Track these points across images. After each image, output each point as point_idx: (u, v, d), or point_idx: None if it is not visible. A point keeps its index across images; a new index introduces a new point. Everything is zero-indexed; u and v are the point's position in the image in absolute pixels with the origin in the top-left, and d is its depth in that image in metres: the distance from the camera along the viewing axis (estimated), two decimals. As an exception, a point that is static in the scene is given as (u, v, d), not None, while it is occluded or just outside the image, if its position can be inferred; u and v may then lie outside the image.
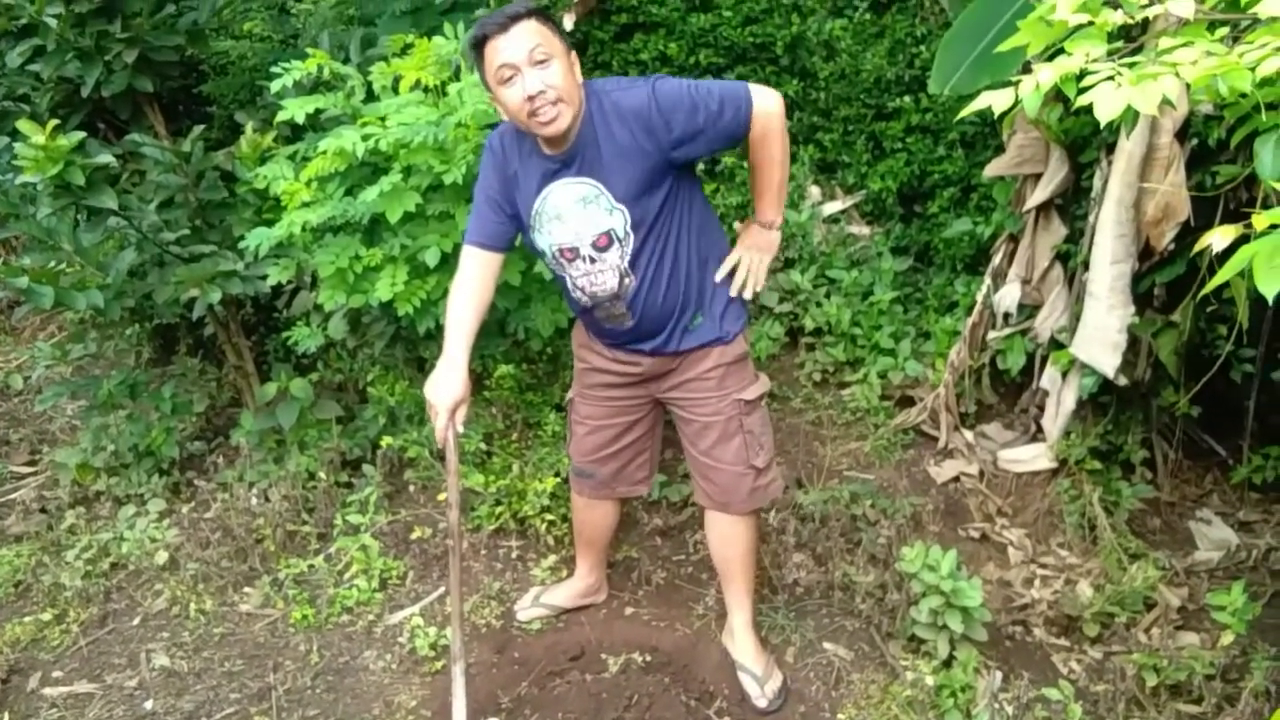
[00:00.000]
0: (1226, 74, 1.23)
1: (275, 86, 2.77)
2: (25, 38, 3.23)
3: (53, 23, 3.12)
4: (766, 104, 2.16)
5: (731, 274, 2.36)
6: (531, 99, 2.01)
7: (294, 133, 3.15)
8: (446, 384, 2.23)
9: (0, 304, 4.98)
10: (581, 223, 2.17)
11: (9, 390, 4.44)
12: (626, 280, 2.23)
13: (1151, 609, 2.77)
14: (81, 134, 2.84)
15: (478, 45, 2.05)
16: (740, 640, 2.62)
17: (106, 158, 2.89)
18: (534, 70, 2.01)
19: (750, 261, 2.36)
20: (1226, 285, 2.00)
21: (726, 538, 2.55)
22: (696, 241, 2.28)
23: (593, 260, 2.21)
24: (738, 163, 4.10)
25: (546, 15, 2.08)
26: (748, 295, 2.37)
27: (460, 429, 2.28)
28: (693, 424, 2.45)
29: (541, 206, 2.20)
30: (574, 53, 2.12)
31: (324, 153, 2.67)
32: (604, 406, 2.53)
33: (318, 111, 2.82)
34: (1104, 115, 1.25)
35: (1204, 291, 1.55)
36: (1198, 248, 1.32)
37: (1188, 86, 1.26)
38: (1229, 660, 2.51)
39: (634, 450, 2.60)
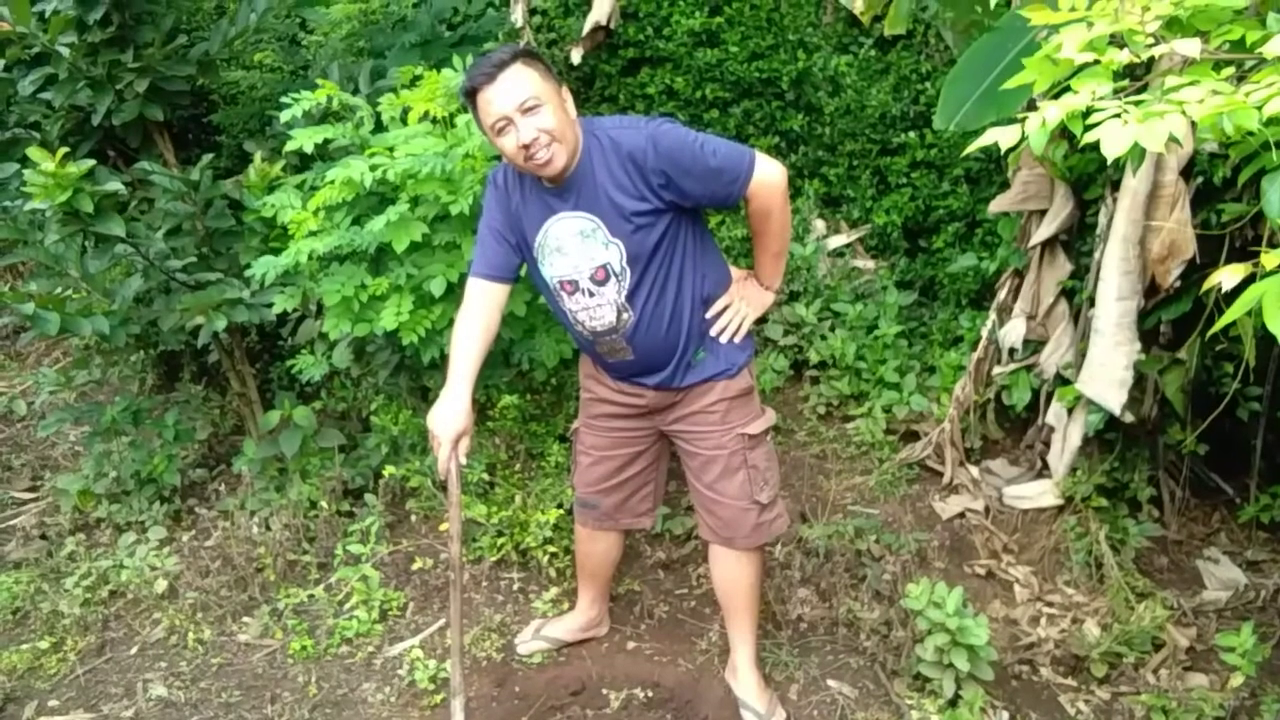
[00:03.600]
0: (1233, 112, 1.23)
1: (284, 116, 2.79)
2: (38, 66, 3.26)
3: (65, 52, 3.14)
4: (768, 175, 2.16)
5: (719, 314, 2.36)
6: (526, 146, 2.05)
7: (302, 162, 3.17)
8: (449, 415, 2.22)
9: (5, 329, 4.99)
10: (580, 256, 2.19)
11: (12, 416, 4.44)
12: (625, 315, 2.23)
13: (1160, 649, 2.74)
14: (91, 161, 2.85)
15: (469, 95, 2.09)
16: (743, 677, 2.59)
17: (115, 185, 2.90)
18: (525, 119, 2.04)
19: (738, 311, 2.35)
20: (1233, 323, 1.99)
21: (730, 573, 2.52)
22: (698, 278, 2.27)
23: (591, 294, 2.22)
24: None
25: (532, 56, 2.10)
26: (723, 340, 2.34)
27: (463, 460, 2.28)
28: (696, 457, 2.43)
29: (544, 239, 2.22)
30: (565, 88, 2.14)
31: (332, 182, 2.69)
32: (608, 437, 2.52)
33: (326, 141, 2.84)
34: (1111, 152, 1.25)
35: (1213, 330, 1.54)
36: (1206, 286, 1.32)
37: (1194, 124, 1.27)
38: (1238, 702, 2.48)
39: (638, 482, 2.58)
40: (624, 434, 2.50)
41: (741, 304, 2.36)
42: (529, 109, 2.04)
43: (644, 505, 2.64)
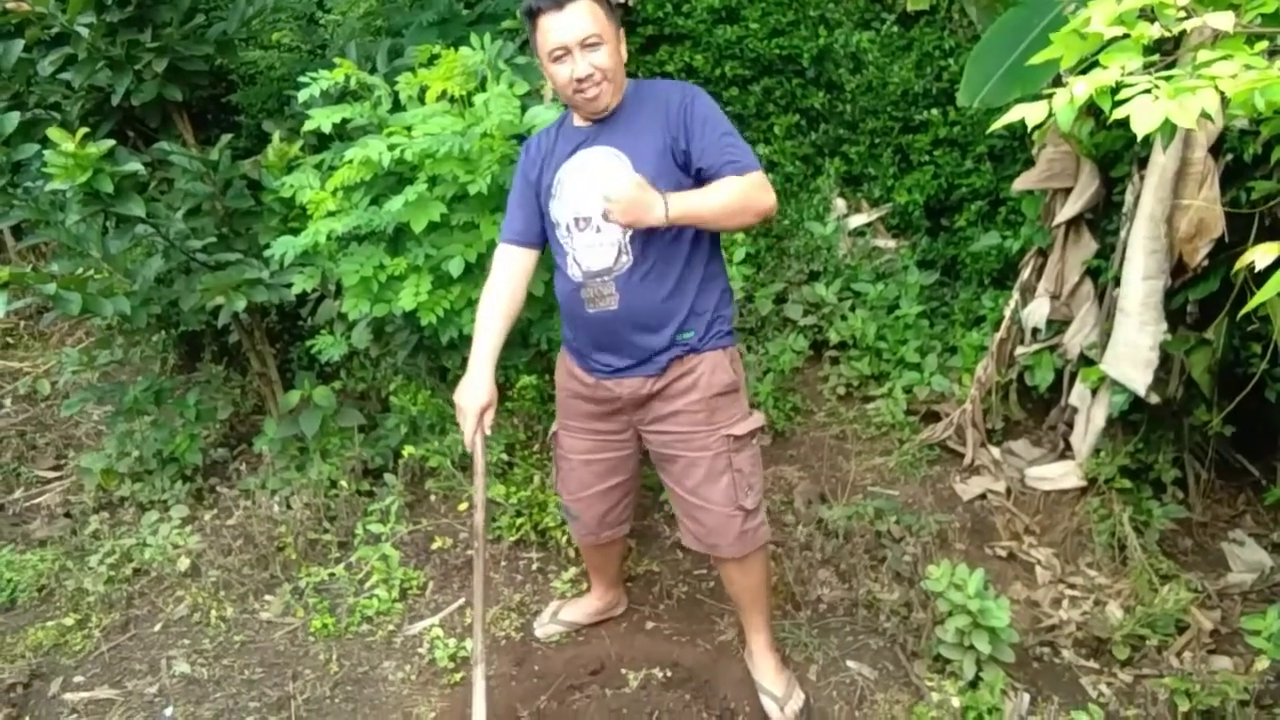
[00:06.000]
0: (1267, 88, 1.20)
1: (303, 96, 2.78)
2: (57, 46, 3.27)
3: (84, 32, 3.15)
4: (765, 184, 2.11)
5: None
6: (580, 81, 2.09)
7: (320, 142, 3.17)
8: (471, 388, 2.27)
9: (29, 310, 5.03)
10: (600, 181, 2.14)
11: (36, 395, 4.48)
12: (623, 257, 2.17)
13: (1183, 632, 2.72)
14: (111, 142, 2.86)
15: (530, 15, 2.10)
16: (759, 661, 2.59)
17: (135, 166, 2.91)
18: (584, 53, 2.08)
19: (619, 190, 2.04)
20: (1263, 303, 1.96)
21: (734, 576, 2.49)
22: (696, 255, 2.21)
23: (599, 230, 2.18)
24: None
25: None
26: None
27: (489, 431, 2.31)
28: (677, 461, 2.34)
29: (565, 173, 2.21)
30: (620, 29, 2.18)
31: (350, 162, 2.68)
32: (587, 440, 2.46)
33: (344, 121, 2.83)
34: (1142, 128, 1.23)
35: (1244, 311, 1.52)
36: (1238, 266, 1.29)
37: (1225, 100, 1.24)
38: (1264, 685, 2.46)
39: (619, 493, 2.54)
40: (600, 436, 2.43)
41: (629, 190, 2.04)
42: (590, 45, 2.07)
43: (623, 515, 2.61)
